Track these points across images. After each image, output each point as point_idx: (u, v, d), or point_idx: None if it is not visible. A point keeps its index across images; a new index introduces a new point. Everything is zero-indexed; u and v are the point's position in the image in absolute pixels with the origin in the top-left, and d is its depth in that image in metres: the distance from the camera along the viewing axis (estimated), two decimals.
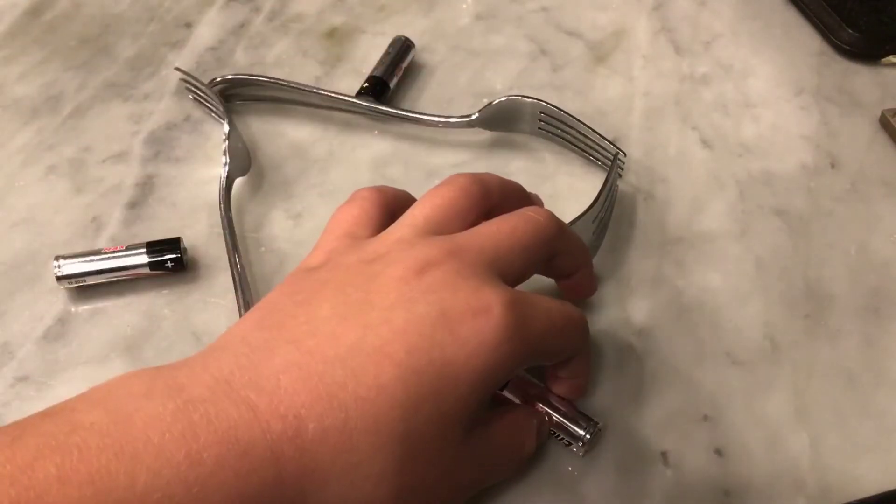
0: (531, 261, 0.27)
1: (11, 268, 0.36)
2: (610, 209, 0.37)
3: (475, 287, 0.24)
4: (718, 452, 0.30)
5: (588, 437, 0.29)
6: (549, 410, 0.30)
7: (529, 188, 0.33)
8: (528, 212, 0.28)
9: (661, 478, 0.30)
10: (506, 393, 0.30)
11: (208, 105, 0.42)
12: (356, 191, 0.30)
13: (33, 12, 0.48)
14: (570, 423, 0.29)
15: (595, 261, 0.36)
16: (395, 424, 0.22)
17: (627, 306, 0.35)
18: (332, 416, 0.22)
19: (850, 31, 0.45)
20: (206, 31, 0.47)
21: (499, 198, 0.29)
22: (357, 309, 0.24)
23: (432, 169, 0.40)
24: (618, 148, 0.38)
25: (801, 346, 0.33)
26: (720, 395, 0.32)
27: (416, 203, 0.28)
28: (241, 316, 0.33)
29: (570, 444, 0.30)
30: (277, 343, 0.23)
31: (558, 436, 0.30)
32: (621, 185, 0.39)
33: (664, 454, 0.30)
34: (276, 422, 0.22)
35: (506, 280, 0.26)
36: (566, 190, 0.39)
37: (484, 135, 0.41)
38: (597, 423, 0.30)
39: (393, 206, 0.30)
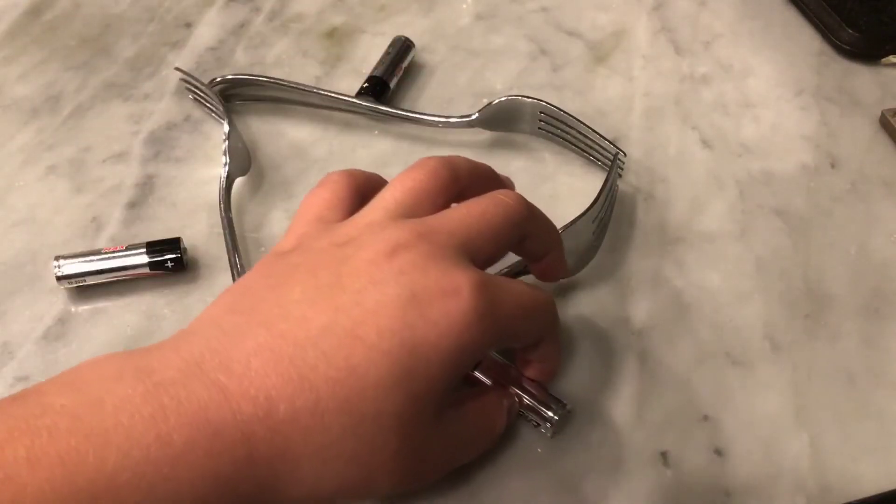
0: (501, 243, 0.28)
1: (11, 268, 0.36)
2: (610, 209, 0.37)
3: (445, 269, 0.25)
4: (718, 452, 0.30)
5: (556, 418, 0.30)
6: (519, 392, 0.30)
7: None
8: (498, 195, 0.28)
9: (661, 478, 0.30)
10: (477, 374, 0.31)
11: (208, 105, 0.42)
12: (327, 174, 0.30)
13: (33, 12, 0.48)
14: (540, 405, 0.30)
15: (595, 261, 0.36)
16: (367, 405, 0.23)
17: (627, 306, 0.35)
18: (303, 397, 0.22)
19: (850, 31, 0.45)
20: (206, 31, 0.47)
21: (469, 180, 0.29)
22: (328, 292, 0.24)
23: None
24: (618, 148, 0.38)
25: (801, 346, 0.33)
26: (720, 395, 0.32)
27: (386, 186, 0.28)
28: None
29: (538, 425, 0.30)
30: (249, 327, 0.24)
31: (528, 417, 0.30)
32: (621, 185, 0.39)
33: (664, 454, 0.30)
34: (247, 403, 0.22)
35: (476, 263, 0.26)
36: (566, 190, 0.39)
37: (484, 135, 0.41)
38: (565, 405, 0.30)
39: (364, 188, 0.30)
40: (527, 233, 0.29)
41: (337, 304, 0.24)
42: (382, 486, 0.25)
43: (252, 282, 0.26)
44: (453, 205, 0.28)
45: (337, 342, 0.23)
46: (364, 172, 0.31)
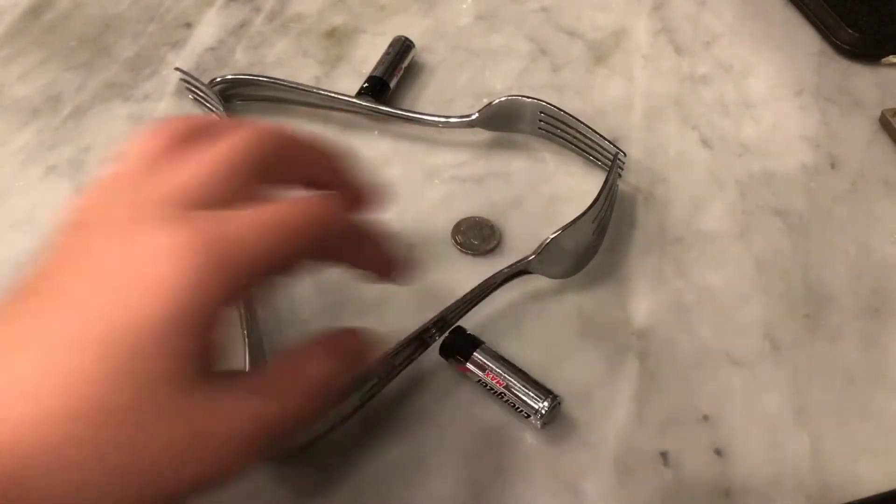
0: (291, 257, 0.24)
1: (11, 268, 0.36)
2: (610, 209, 0.37)
3: (152, 237, 0.22)
4: (718, 452, 0.30)
5: (545, 409, 0.30)
6: (511, 383, 0.30)
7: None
8: (303, 204, 0.24)
9: (661, 478, 0.30)
10: (468, 365, 0.31)
11: (208, 105, 0.42)
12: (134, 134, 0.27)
13: (33, 12, 0.48)
14: (529, 397, 0.30)
15: (595, 261, 0.36)
16: (91, 403, 0.20)
17: (627, 306, 0.35)
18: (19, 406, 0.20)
19: (850, 31, 0.45)
20: (206, 31, 0.47)
21: (279, 159, 0.26)
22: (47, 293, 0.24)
23: (432, 169, 0.40)
24: (618, 148, 0.38)
25: (801, 346, 0.33)
26: (720, 395, 0.32)
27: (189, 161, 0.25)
28: (239, 318, 0.33)
29: (528, 416, 0.30)
30: None
31: (518, 408, 0.30)
32: (621, 185, 0.39)
33: (664, 454, 0.30)
34: None
35: (258, 266, 0.23)
36: (566, 190, 0.39)
37: (484, 135, 0.41)
38: (556, 397, 0.30)
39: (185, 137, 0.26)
40: (334, 245, 0.26)
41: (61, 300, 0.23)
42: (118, 496, 0.21)
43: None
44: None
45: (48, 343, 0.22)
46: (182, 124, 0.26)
